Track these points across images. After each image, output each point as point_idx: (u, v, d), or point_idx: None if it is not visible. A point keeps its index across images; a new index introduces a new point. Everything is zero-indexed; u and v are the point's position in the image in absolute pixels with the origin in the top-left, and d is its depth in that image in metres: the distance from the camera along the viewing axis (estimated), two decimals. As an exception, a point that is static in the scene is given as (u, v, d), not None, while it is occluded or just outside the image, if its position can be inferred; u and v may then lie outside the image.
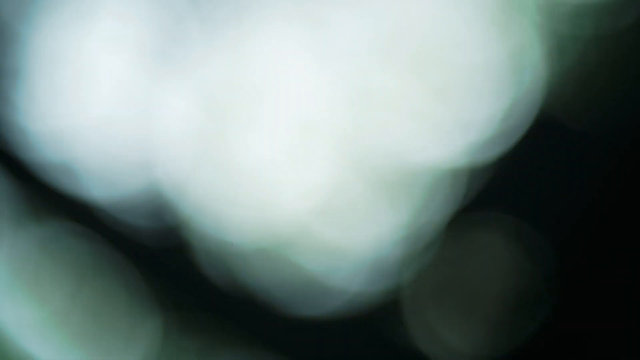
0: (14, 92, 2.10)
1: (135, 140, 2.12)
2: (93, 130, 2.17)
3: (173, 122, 2.13)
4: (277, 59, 2.27)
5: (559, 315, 1.98)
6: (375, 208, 2.13)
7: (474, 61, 2.23)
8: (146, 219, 2.07)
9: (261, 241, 2.08)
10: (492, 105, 2.14)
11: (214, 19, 2.10)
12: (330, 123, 2.34)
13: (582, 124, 2.07)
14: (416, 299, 2.02)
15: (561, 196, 1.99)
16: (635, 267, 1.96)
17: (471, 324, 1.99)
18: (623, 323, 1.94)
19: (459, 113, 2.19)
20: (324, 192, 2.27)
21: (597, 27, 2.13)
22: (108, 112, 2.17)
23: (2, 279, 2.22)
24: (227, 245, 2.08)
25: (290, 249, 2.14)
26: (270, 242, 2.08)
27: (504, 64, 2.19)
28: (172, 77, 2.16)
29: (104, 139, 2.13)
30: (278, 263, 2.10)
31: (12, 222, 2.16)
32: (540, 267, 1.97)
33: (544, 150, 2.05)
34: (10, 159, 2.11)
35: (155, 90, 2.17)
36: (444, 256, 2.02)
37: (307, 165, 2.25)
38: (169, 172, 2.09)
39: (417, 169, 2.12)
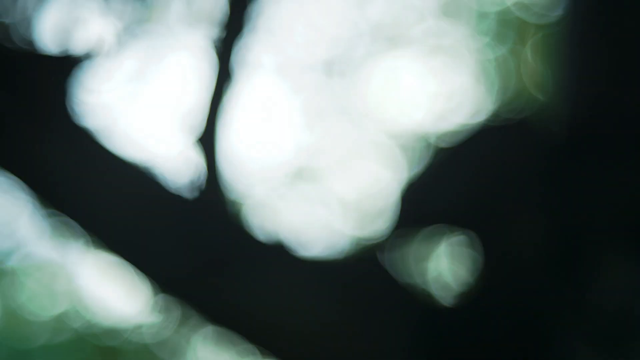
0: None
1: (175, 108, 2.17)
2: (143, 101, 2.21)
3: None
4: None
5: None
6: (368, 166, 2.19)
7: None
8: (187, 176, 2.21)
9: (277, 194, 2.09)
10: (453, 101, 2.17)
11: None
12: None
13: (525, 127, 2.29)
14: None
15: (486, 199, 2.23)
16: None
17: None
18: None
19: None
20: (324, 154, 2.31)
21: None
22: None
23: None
24: (252, 197, 2.07)
25: (302, 201, 2.19)
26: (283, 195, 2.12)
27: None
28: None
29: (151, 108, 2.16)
30: (293, 212, 2.12)
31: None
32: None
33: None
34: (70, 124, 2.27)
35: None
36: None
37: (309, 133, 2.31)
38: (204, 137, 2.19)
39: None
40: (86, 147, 2.31)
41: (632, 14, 2.41)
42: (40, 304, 12.51)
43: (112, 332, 12.37)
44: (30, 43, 2.32)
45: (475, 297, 2.21)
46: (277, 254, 2.31)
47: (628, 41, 2.39)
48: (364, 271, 2.32)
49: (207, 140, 2.17)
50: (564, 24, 2.61)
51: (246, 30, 1.96)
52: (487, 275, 2.22)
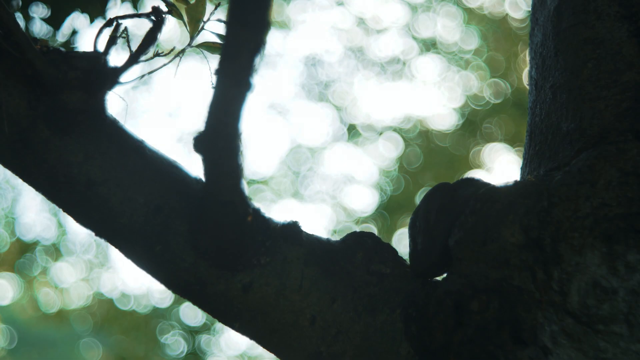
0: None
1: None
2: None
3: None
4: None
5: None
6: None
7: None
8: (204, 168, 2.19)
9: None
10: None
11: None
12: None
13: None
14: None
15: None
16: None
17: None
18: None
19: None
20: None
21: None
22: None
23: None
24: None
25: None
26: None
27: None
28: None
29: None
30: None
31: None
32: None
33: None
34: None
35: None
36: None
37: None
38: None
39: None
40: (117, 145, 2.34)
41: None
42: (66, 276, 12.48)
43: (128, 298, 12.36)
44: (62, 53, 2.34)
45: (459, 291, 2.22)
46: (286, 237, 2.32)
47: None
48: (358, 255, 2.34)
49: (221, 137, 2.15)
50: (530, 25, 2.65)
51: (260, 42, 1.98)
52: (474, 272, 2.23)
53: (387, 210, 11.95)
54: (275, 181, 12.43)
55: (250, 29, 1.94)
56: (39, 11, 3.54)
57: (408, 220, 2.45)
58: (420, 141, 11.86)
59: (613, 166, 2.17)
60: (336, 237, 2.41)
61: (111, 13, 3.63)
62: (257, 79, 1.99)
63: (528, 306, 2.13)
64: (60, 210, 2.37)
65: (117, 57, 2.33)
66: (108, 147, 2.32)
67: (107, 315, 12.37)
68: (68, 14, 3.58)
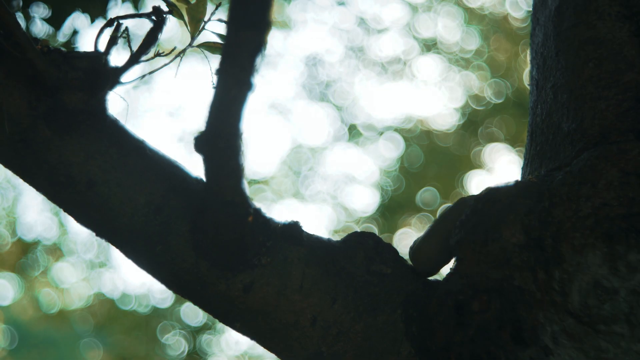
0: None
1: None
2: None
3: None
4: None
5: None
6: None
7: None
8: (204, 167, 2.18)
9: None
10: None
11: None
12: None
13: None
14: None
15: None
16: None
17: None
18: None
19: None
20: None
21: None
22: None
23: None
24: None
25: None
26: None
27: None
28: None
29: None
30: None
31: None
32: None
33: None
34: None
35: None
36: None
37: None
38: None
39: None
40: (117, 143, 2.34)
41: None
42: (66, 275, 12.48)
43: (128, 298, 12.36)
44: (62, 53, 2.34)
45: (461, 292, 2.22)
46: (287, 237, 2.32)
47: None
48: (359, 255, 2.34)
49: (222, 137, 2.14)
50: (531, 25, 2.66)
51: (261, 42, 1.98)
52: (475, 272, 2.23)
53: (388, 211, 11.96)
54: (276, 181, 12.45)
55: (251, 29, 1.94)
56: (40, 11, 3.54)
57: (409, 220, 2.45)
58: (421, 141, 11.87)
59: (614, 166, 2.17)
60: (337, 237, 2.41)
61: (112, 13, 3.64)
62: (257, 79, 1.99)
63: (529, 306, 2.14)
64: (61, 210, 2.37)
65: (117, 57, 2.34)
66: (109, 147, 2.32)
67: (108, 316, 12.37)
68: (69, 14, 3.58)
